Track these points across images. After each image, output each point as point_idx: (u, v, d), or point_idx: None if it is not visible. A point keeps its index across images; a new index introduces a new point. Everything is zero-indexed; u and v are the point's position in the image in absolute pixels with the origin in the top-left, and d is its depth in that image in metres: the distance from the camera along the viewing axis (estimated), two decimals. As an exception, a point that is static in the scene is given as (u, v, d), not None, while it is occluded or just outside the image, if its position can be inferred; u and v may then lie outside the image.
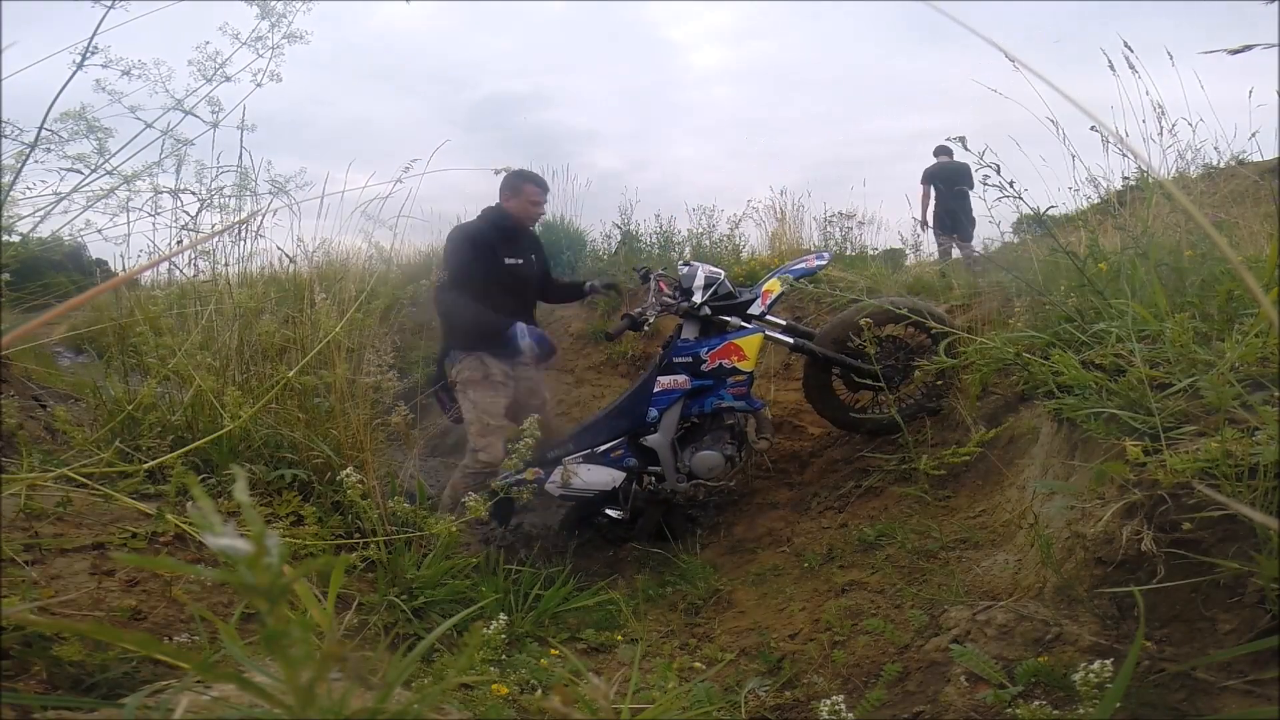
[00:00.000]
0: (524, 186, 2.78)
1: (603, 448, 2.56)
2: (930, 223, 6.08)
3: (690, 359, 2.48)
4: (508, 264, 2.69)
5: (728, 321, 2.46)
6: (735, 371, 2.43)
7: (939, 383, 2.47)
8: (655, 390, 2.51)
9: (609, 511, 2.62)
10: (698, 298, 2.49)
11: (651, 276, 2.62)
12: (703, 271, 2.55)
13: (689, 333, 2.53)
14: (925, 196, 6.20)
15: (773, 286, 2.52)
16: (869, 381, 2.39)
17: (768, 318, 2.49)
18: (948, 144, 5.74)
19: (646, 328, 2.48)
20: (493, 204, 2.82)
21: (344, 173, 2.37)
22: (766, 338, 2.48)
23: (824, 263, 2.60)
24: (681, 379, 2.48)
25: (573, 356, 4.40)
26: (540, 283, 2.91)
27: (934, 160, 6.29)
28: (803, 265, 2.59)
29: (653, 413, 2.51)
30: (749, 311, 2.48)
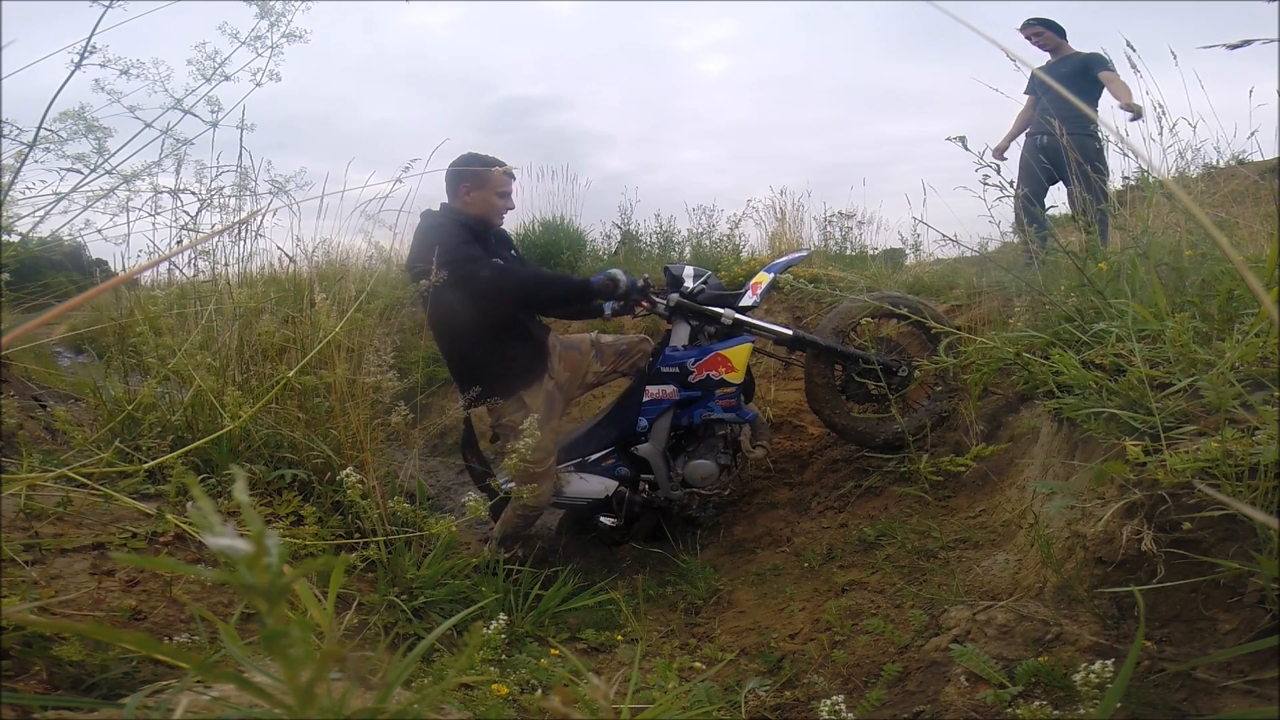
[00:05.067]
0: (488, 176, 2.27)
1: (594, 457, 2.51)
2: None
3: (677, 369, 2.41)
4: (534, 268, 2.40)
5: (720, 314, 2.39)
6: (723, 383, 2.37)
7: (938, 387, 2.45)
8: (644, 400, 2.45)
9: (603, 520, 2.57)
10: (689, 284, 2.44)
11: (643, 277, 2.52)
12: (691, 267, 2.54)
13: (678, 338, 2.45)
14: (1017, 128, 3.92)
15: (760, 279, 2.48)
16: (872, 384, 2.34)
17: (753, 320, 2.43)
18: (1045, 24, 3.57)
19: (610, 312, 2.48)
20: (438, 204, 2.34)
21: (346, 172, 2.36)
22: (756, 343, 2.42)
23: (805, 254, 2.71)
24: (669, 389, 2.42)
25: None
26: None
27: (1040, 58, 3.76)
28: (784, 260, 2.58)
29: (642, 422, 2.45)
30: (741, 304, 2.43)
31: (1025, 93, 3.86)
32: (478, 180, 2.27)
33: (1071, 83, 3.43)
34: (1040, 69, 3.82)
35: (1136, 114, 3.30)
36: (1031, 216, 3.56)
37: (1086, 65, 3.46)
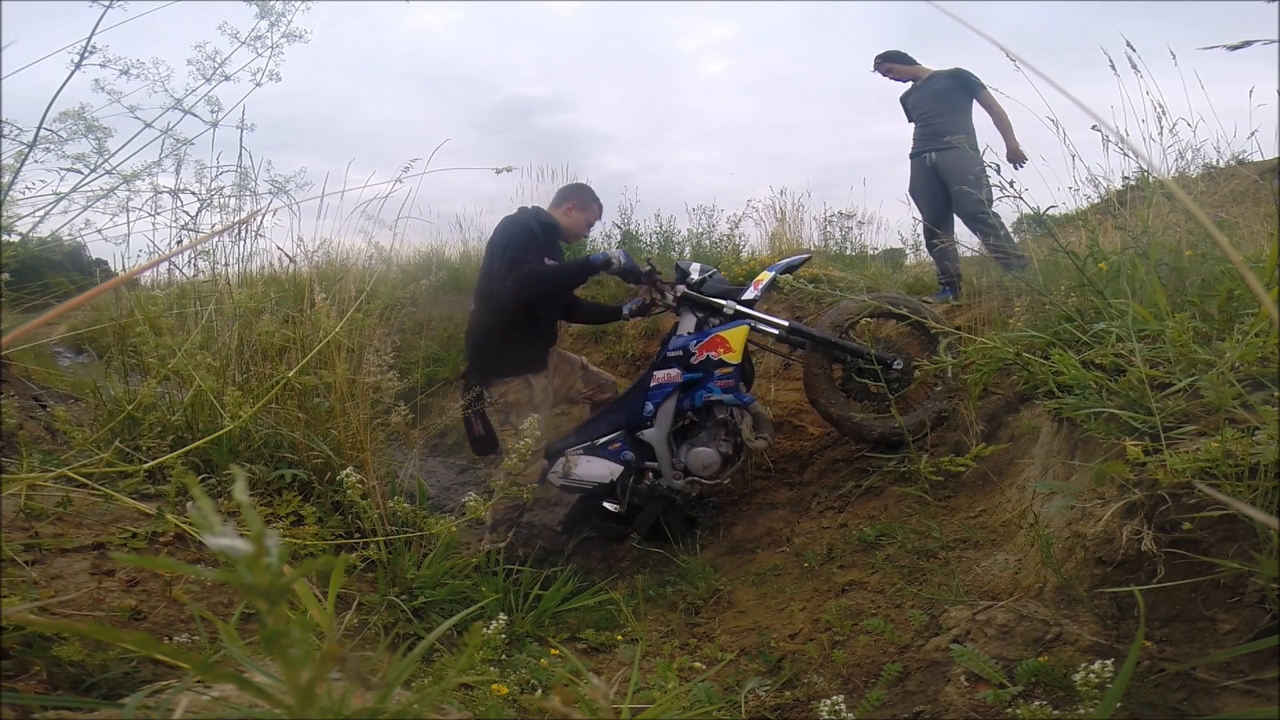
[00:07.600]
0: (593, 205, 2.81)
1: (601, 440, 2.63)
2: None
3: (681, 352, 2.56)
4: (549, 265, 2.64)
5: (722, 305, 2.54)
6: (721, 363, 2.50)
7: (938, 387, 2.46)
8: (651, 385, 2.58)
9: (606, 504, 2.65)
10: (695, 276, 2.61)
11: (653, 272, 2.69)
12: (698, 264, 2.70)
13: (684, 326, 2.60)
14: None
15: (762, 276, 2.62)
16: (872, 383, 2.41)
17: (754, 312, 2.55)
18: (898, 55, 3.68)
19: (628, 312, 2.79)
20: (532, 206, 2.79)
21: (346, 172, 2.36)
22: (753, 329, 2.54)
23: (807, 256, 2.84)
24: (674, 372, 2.55)
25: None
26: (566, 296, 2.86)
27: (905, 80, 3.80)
28: (786, 261, 2.70)
29: (648, 407, 2.57)
30: (743, 297, 2.56)
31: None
32: (582, 205, 2.80)
33: (944, 98, 3.54)
34: (906, 94, 3.75)
35: (1020, 161, 3.39)
36: (934, 242, 3.58)
37: (960, 79, 3.47)
